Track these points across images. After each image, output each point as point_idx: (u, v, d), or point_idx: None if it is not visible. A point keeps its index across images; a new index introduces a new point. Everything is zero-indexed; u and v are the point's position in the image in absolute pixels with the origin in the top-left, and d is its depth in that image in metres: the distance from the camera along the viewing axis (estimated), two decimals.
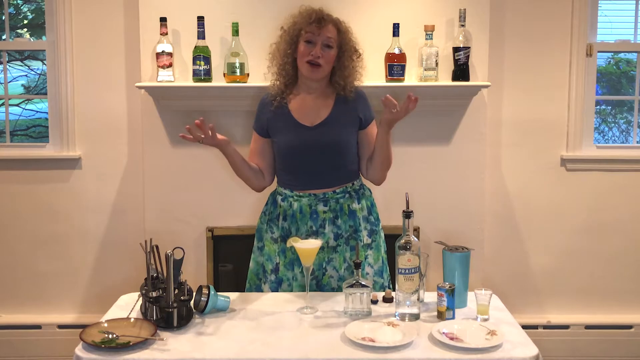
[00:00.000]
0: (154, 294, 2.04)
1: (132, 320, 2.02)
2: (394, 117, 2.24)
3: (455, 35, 3.08)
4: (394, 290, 2.16)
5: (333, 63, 2.39)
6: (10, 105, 3.65)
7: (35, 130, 3.92)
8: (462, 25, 3.06)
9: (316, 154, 2.38)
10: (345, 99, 2.43)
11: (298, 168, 2.42)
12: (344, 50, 2.40)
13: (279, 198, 2.47)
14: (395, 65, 3.01)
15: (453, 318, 2.05)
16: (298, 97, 2.45)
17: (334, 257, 2.41)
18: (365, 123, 2.44)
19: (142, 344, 1.87)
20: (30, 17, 3.83)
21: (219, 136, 2.33)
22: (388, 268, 2.52)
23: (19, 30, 3.78)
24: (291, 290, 2.42)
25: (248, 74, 3.05)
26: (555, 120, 3.45)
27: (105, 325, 1.98)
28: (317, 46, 2.34)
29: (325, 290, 2.41)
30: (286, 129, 2.41)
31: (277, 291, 2.43)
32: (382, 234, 2.53)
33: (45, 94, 3.46)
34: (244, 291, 2.52)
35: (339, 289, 2.39)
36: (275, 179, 2.54)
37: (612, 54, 3.80)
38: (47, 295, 3.52)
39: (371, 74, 3.05)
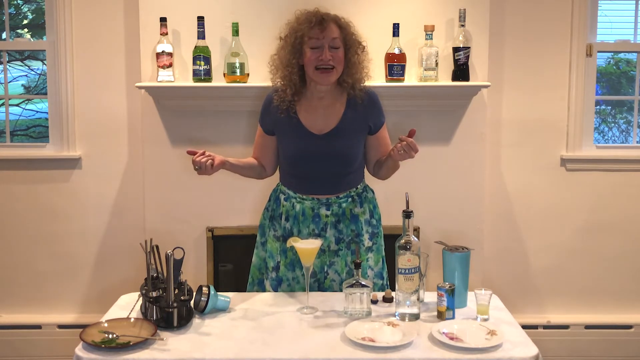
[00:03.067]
0: (154, 294, 2.04)
1: (132, 320, 2.02)
2: (401, 158, 2.27)
3: (455, 35, 3.09)
4: (392, 289, 2.16)
5: (343, 64, 2.33)
6: (10, 105, 3.65)
7: (35, 130, 3.92)
8: (462, 25, 3.06)
9: (323, 162, 2.36)
10: (356, 102, 2.39)
11: (303, 174, 2.41)
12: (349, 47, 2.34)
13: (282, 197, 2.46)
14: (395, 65, 3.01)
15: (453, 318, 2.05)
16: (307, 103, 2.39)
17: (336, 260, 2.41)
18: (374, 129, 2.42)
19: (142, 344, 1.87)
20: (30, 17, 3.84)
21: (216, 160, 2.29)
22: (387, 267, 2.52)
23: (19, 31, 3.78)
24: (291, 291, 2.41)
25: (248, 74, 3.05)
26: (555, 120, 3.45)
27: (105, 325, 1.98)
28: (324, 50, 2.28)
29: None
30: (294, 135, 2.38)
31: (277, 289, 2.43)
32: (382, 234, 2.52)
33: (45, 94, 3.46)
34: (244, 291, 2.52)
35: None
36: (278, 174, 2.53)
37: (612, 54, 3.80)
38: (47, 295, 3.52)
39: (371, 74, 3.05)
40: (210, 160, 2.27)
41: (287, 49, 2.35)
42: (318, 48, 2.29)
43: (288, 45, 2.34)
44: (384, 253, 2.51)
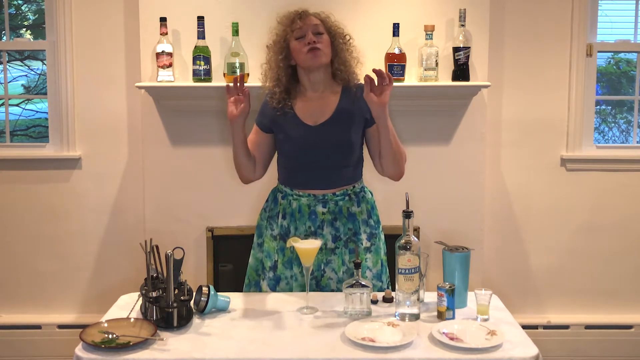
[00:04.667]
0: (154, 294, 2.04)
1: (132, 320, 2.02)
2: (373, 99, 2.20)
3: (455, 35, 3.09)
4: (393, 289, 2.16)
5: (330, 48, 2.38)
6: (10, 105, 3.65)
7: (35, 130, 3.92)
8: (462, 25, 3.06)
9: (318, 153, 2.37)
10: (351, 94, 2.41)
11: (299, 167, 2.42)
12: (334, 35, 2.40)
13: (279, 195, 2.46)
14: (395, 65, 3.01)
15: (453, 318, 2.05)
16: (302, 97, 2.43)
17: (333, 259, 2.41)
18: (371, 121, 2.42)
19: (142, 344, 1.87)
20: (32, 18, 3.84)
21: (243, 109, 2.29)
22: (387, 270, 2.52)
23: (20, 31, 3.78)
24: (290, 289, 2.42)
25: (248, 74, 3.05)
26: (555, 120, 3.45)
27: (105, 325, 1.98)
28: (308, 34, 2.34)
29: (324, 291, 2.40)
30: (289, 127, 2.40)
31: (275, 289, 2.43)
32: (382, 236, 2.52)
33: (45, 94, 3.46)
34: (243, 289, 2.52)
35: (338, 291, 2.38)
36: (277, 176, 2.54)
37: (612, 54, 3.80)
38: (47, 295, 3.52)
39: (371, 74, 3.05)
40: (242, 108, 2.27)
41: (275, 50, 2.41)
42: (302, 37, 2.35)
43: (275, 47, 2.41)
44: (384, 256, 2.50)
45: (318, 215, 2.40)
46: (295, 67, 2.41)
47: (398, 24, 3.01)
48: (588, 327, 3.53)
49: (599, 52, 3.45)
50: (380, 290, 2.43)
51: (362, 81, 2.47)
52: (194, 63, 3.03)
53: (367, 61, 3.00)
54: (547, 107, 3.44)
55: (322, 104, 2.41)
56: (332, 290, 2.40)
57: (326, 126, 2.38)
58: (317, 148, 2.37)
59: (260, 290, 2.46)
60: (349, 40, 2.45)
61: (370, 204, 2.49)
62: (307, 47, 2.33)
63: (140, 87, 3.07)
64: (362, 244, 2.42)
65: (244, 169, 2.44)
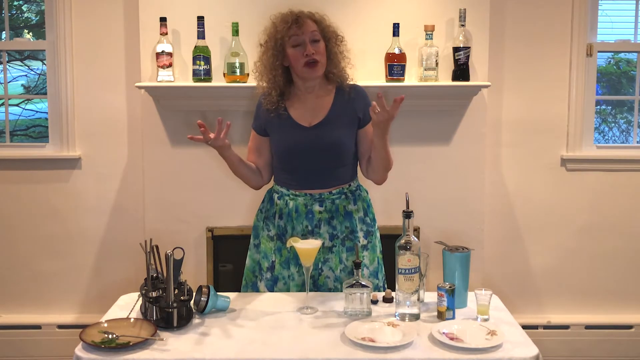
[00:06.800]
0: (154, 294, 2.04)
1: (132, 320, 2.02)
2: (379, 119, 2.20)
3: (455, 35, 3.09)
4: (392, 289, 2.16)
5: (325, 55, 2.37)
6: (10, 105, 3.65)
7: (35, 130, 3.92)
8: (462, 25, 3.06)
9: (313, 154, 2.38)
10: (344, 94, 2.42)
11: (294, 168, 2.42)
12: (328, 38, 2.39)
13: (276, 196, 2.47)
14: (395, 65, 3.01)
15: (453, 318, 2.05)
16: (296, 98, 2.43)
17: (330, 257, 2.41)
18: (364, 122, 2.43)
19: (142, 344, 1.87)
20: (34, 19, 3.84)
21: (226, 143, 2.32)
22: (383, 268, 2.52)
23: (20, 30, 3.78)
24: (287, 289, 2.42)
25: (248, 74, 3.05)
26: (555, 120, 3.45)
27: (105, 325, 1.98)
28: (307, 45, 2.32)
29: (321, 290, 2.41)
30: (284, 129, 2.41)
31: (273, 289, 2.43)
32: (378, 234, 2.52)
33: (45, 94, 3.46)
34: (240, 291, 2.52)
35: (335, 289, 2.39)
36: (273, 177, 2.54)
37: (612, 53, 3.80)
38: (47, 295, 3.52)
39: (371, 74, 3.06)
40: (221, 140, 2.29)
41: (269, 52, 2.39)
42: (300, 45, 2.34)
43: (269, 49, 2.39)
44: (380, 254, 2.51)
45: (315, 215, 2.40)
46: (289, 67, 2.41)
47: (398, 24, 3.01)
48: (588, 327, 3.53)
49: (599, 52, 3.45)
50: (377, 287, 2.44)
51: (355, 82, 2.49)
52: (194, 63, 3.03)
53: (367, 61, 3.01)
54: (547, 107, 3.44)
55: (316, 105, 2.42)
56: (330, 289, 2.41)
57: (320, 127, 2.38)
58: (312, 149, 2.37)
59: (257, 291, 2.47)
60: (342, 42, 2.45)
61: (366, 202, 2.50)
62: (305, 59, 2.32)
63: (140, 87, 3.07)
64: (359, 242, 2.42)
65: (250, 180, 2.49)
